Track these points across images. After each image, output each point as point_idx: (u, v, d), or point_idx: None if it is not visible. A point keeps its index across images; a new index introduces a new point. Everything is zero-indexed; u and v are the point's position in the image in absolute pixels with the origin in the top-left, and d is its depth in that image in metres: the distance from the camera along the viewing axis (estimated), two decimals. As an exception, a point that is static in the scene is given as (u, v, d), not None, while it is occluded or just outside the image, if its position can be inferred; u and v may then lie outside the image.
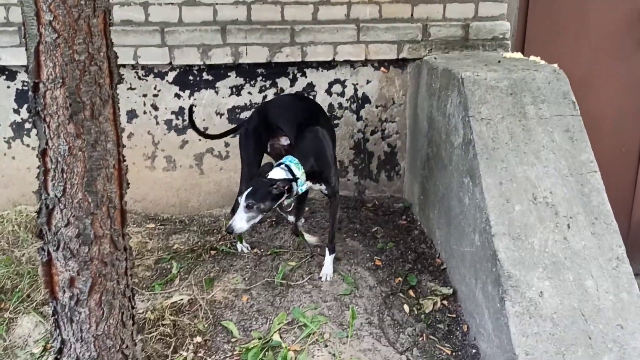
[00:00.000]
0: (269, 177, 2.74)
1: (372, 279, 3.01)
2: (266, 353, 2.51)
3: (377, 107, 3.85)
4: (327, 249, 3.07)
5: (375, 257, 3.19)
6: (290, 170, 2.76)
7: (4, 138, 3.63)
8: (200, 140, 3.73)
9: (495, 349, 2.54)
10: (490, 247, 2.58)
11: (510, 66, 3.16)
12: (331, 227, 3.05)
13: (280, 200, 2.76)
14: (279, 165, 2.81)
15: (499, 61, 3.33)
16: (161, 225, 3.70)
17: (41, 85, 1.98)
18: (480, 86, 2.96)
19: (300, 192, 2.84)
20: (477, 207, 2.71)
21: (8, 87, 3.53)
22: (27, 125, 3.62)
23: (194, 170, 3.80)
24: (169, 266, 3.19)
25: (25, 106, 3.57)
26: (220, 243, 3.39)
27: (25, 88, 3.53)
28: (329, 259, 3.05)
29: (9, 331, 2.66)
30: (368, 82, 3.79)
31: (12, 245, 3.33)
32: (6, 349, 2.57)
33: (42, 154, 2.06)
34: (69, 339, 2.21)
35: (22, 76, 3.51)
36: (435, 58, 3.51)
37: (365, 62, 3.73)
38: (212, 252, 3.32)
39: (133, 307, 2.35)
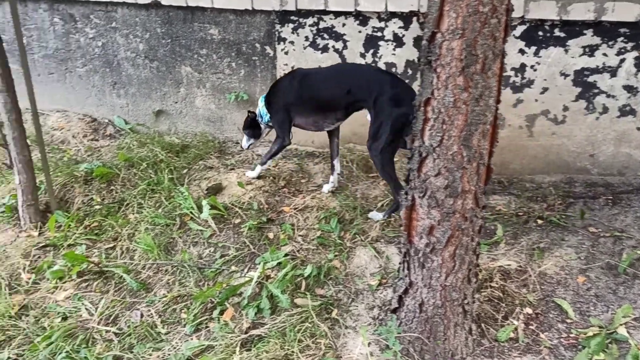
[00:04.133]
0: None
1: None
2: (609, 345, 2.30)
3: None
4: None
5: None
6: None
7: (348, 79, 3.91)
8: (536, 100, 3.52)
9: None
10: None
11: None
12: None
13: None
14: None
15: None
16: (479, 183, 3.64)
17: (439, 35, 1.99)
18: None
19: (263, 121, 3.58)
20: None
21: (359, 31, 3.77)
22: (369, 70, 3.84)
23: (522, 132, 3.62)
24: (492, 227, 3.13)
25: (371, 51, 3.79)
26: (548, 213, 3.19)
27: (376, 34, 3.72)
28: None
29: (348, 259, 2.92)
30: None
31: (347, 179, 3.63)
32: (347, 275, 2.83)
33: (425, 103, 2.11)
34: (417, 283, 2.30)
35: (373, 22, 3.70)
36: None
37: None
38: (539, 221, 3.15)
39: (477, 265, 2.35)
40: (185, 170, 3.83)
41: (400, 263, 2.39)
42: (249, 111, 3.63)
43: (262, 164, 3.61)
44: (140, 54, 4.42)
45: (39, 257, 3.15)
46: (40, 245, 3.22)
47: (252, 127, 3.63)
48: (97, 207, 3.50)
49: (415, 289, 2.33)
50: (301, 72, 3.41)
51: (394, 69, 3.77)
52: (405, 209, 2.25)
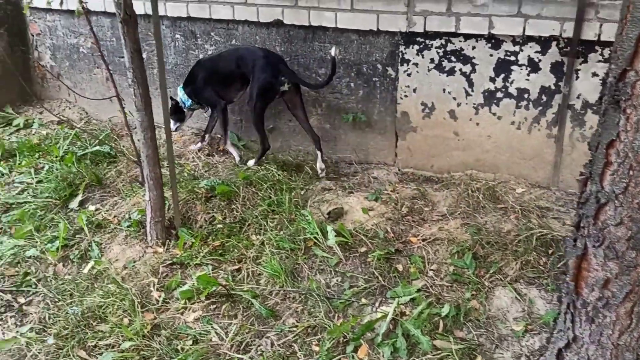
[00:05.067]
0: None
1: None
2: None
3: None
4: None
5: None
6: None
7: (474, 104, 3.76)
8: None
9: None
10: None
11: None
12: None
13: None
14: None
15: None
16: None
17: (632, 74, 1.82)
18: None
19: (186, 106, 4.45)
20: None
21: (490, 55, 3.60)
22: (499, 95, 3.66)
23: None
24: None
25: (502, 76, 3.61)
26: None
27: (509, 58, 3.54)
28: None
29: (487, 300, 2.76)
30: None
31: (473, 209, 3.46)
32: (488, 317, 2.66)
33: (608, 145, 1.93)
34: (583, 338, 2.11)
35: (506, 46, 3.53)
36: None
37: None
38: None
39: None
40: (303, 192, 3.79)
41: (560, 313, 2.22)
42: (171, 97, 4.35)
43: (225, 143, 4.43)
44: (258, 71, 4.44)
45: (167, 275, 3.19)
46: (167, 262, 3.25)
47: (176, 112, 4.46)
48: (219, 226, 3.50)
49: (580, 345, 2.14)
50: (204, 59, 4.40)
51: (526, 95, 3.58)
52: (575, 258, 2.08)
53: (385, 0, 3.72)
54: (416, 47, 3.80)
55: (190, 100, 4.39)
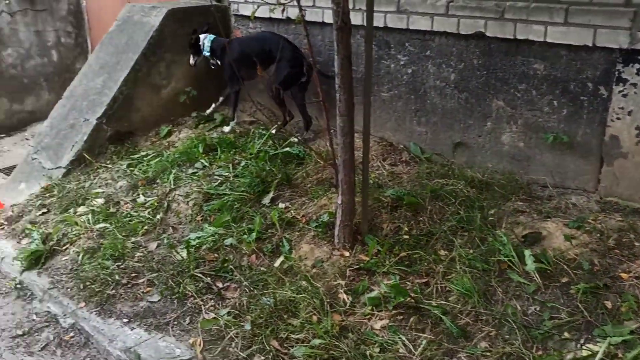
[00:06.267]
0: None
1: None
2: None
3: None
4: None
5: None
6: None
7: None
8: None
9: None
10: None
11: None
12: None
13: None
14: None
15: None
16: None
17: None
18: None
19: (205, 53, 5.12)
20: None
21: None
22: None
23: None
24: None
25: None
26: None
27: None
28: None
29: None
30: None
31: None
32: None
33: None
34: None
35: None
36: None
37: None
38: None
39: None
40: (493, 211, 3.61)
41: None
42: (192, 34, 5.07)
43: (232, 119, 5.24)
44: (450, 84, 4.36)
45: (353, 279, 3.22)
46: (354, 267, 3.28)
47: (194, 47, 5.13)
48: (405, 236, 3.46)
49: None
50: (237, 39, 5.33)
51: None
52: None
53: (607, 14, 3.44)
54: (637, 65, 3.45)
55: (209, 53, 5.07)
